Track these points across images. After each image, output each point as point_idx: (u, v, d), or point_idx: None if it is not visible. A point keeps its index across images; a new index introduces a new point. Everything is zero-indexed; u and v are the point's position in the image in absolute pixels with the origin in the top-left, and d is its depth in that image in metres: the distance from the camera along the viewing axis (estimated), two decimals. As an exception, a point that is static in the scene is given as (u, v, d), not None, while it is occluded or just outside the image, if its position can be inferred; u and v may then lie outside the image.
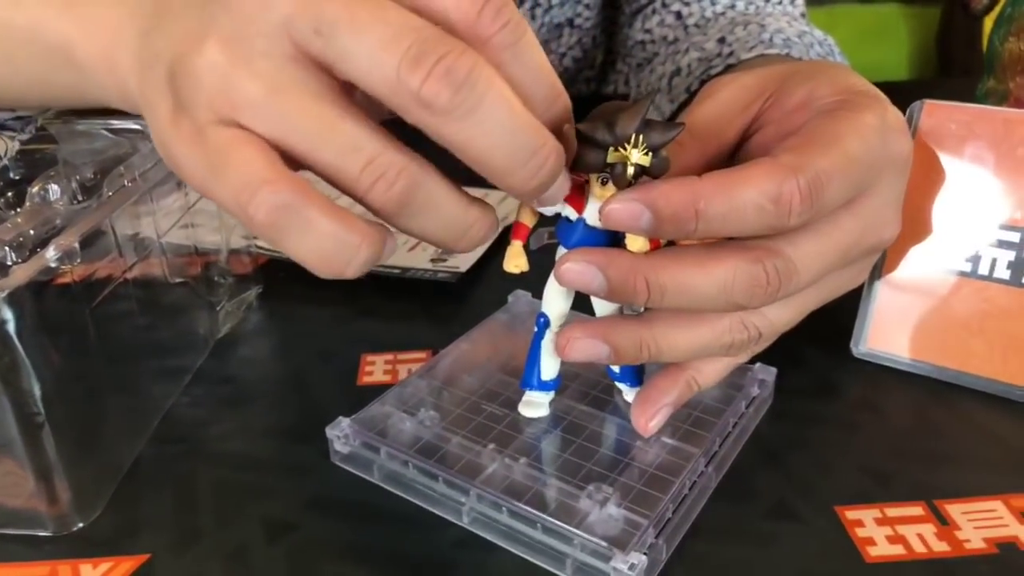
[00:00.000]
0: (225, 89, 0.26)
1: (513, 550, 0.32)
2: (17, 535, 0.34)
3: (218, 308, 0.46)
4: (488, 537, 0.33)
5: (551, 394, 0.37)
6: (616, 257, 0.30)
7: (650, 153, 0.29)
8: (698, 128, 0.34)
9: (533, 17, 0.71)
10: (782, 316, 0.33)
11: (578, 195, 0.31)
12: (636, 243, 0.31)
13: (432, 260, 0.52)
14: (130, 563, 0.33)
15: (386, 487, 0.36)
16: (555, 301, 0.35)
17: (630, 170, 0.29)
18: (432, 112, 0.24)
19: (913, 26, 1.03)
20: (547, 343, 0.35)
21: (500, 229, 0.30)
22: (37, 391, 0.31)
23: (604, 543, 0.30)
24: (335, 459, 0.37)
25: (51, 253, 0.32)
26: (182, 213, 0.43)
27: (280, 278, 0.50)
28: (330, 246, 0.26)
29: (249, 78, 0.25)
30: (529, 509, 0.32)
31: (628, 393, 0.37)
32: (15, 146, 0.43)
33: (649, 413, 0.34)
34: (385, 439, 0.35)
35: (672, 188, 0.29)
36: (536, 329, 0.36)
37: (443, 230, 0.28)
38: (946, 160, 0.40)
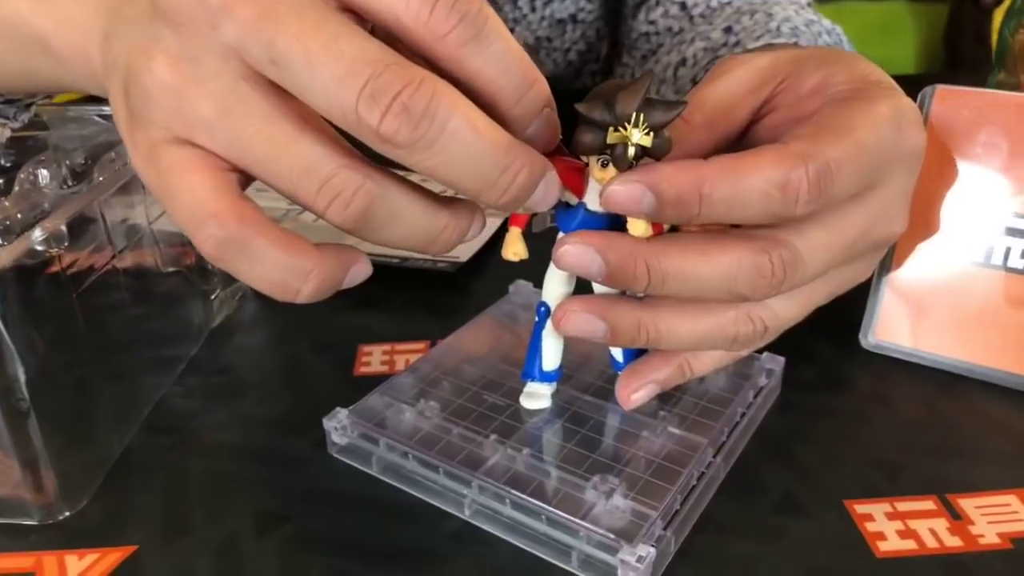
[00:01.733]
0: (180, 109, 0.25)
1: (516, 543, 0.32)
2: (2, 524, 0.33)
3: (212, 297, 0.46)
4: (490, 529, 0.32)
5: (553, 385, 0.36)
6: (616, 240, 0.29)
7: (651, 133, 0.28)
8: (708, 105, 0.33)
9: (533, 9, 0.70)
10: (788, 310, 0.32)
11: (578, 179, 0.30)
12: (638, 227, 0.30)
13: (431, 250, 0.51)
14: (116, 555, 0.32)
15: (384, 479, 0.35)
16: (555, 288, 0.34)
17: (631, 151, 0.28)
18: (394, 146, 0.24)
19: (920, 22, 1.02)
20: (548, 333, 0.35)
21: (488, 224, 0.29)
22: (22, 376, 0.31)
23: (611, 535, 0.29)
24: (332, 451, 0.36)
25: (37, 235, 0.31)
26: (175, 200, 0.42)
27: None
28: (278, 275, 0.26)
29: (201, 99, 0.25)
30: (533, 501, 0.31)
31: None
32: (5, 133, 0.42)
33: (634, 386, 0.34)
34: (384, 430, 0.35)
35: (676, 170, 0.28)
36: (537, 319, 0.35)
37: (410, 239, 0.27)
38: (958, 147, 0.39)
